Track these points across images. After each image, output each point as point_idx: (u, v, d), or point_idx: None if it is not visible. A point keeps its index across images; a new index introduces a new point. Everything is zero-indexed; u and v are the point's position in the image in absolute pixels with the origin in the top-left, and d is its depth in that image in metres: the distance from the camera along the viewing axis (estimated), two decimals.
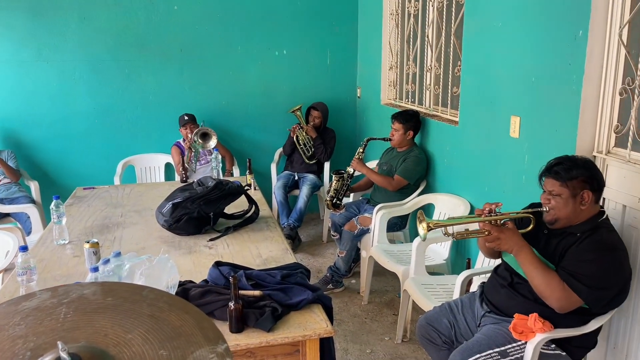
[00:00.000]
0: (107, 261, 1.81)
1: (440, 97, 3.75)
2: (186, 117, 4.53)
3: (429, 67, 3.85)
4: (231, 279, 1.73)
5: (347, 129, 5.24)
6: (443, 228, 2.10)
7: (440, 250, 3.36)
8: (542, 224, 2.08)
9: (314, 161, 4.77)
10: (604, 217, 1.98)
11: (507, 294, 2.15)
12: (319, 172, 4.87)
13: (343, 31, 5.07)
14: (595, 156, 2.25)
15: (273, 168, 5.00)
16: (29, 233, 3.99)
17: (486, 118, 3.00)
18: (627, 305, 2.14)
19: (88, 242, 2.23)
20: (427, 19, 3.85)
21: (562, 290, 1.93)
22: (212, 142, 4.35)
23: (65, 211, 2.69)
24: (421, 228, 2.07)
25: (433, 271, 3.16)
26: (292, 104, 4.81)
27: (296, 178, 4.83)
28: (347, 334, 3.14)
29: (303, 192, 4.59)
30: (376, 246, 3.41)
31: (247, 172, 3.58)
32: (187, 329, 0.90)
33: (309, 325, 1.80)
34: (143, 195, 3.44)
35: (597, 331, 2.08)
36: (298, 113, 4.74)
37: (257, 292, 1.87)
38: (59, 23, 4.46)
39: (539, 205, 2.07)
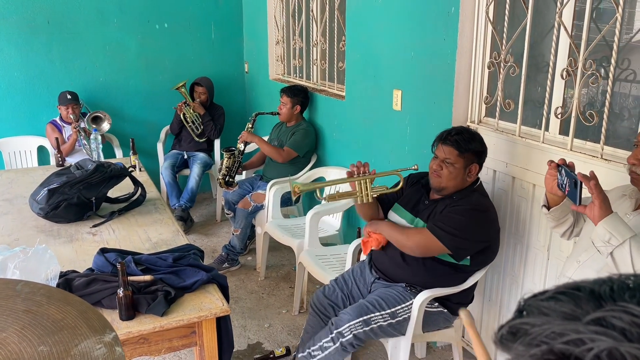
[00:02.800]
0: None
1: (327, 72, 3.81)
2: (69, 96, 4.17)
3: (315, 42, 3.89)
4: (118, 266, 1.65)
5: (237, 105, 5.15)
6: (316, 191, 2.16)
7: (332, 222, 3.46)
8: (424, 195, 2.21)
9: (204, 139, 4.65)
10: (478, 183, 2.16)
11: (392, 261, 2.26)
12: (210, 150, 4.75)
13: (227, 4, 4.93)
14: (468, 125, 2.43)
15: (159, 147, 4.79)
16: None
17: (371, 92, 3.11)
18: (498, 261, 2.36)
19: None
20: None
21: (420, 235, 2.10)
22: (106, 126, 4.10)
23: None
24: (292, 193, 2.12)
25: (326, 242, 3.25)
26: (176, 80, 4.61)
27: (185, 157, 4.67)
28: (245, 310, 3.14)
29: (194, 172, 4.47)
30: (271, 222, 3.43)
31: (130, 153, 3.40)
32: (69, 321, 0.85)
33: (204, 305, 1.78)
34: (13, 182, 3.14)
35: (473, 287, 2.28)
36: (182, 90, 4.56)
37: (147, 277, 1.81)
38: None
39: (421, 175, 2.20)
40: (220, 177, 3.79)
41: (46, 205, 2.42)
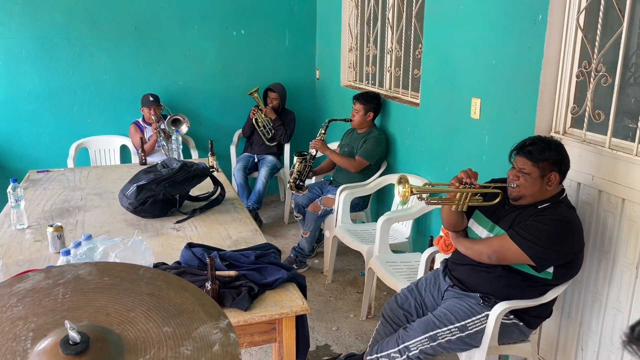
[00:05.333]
0: (78, 244, 1.77)
1: (400, 79, 3.81)
2: (151, 98, 4.41)
3: (390, 50, 3.90)
4: (208, 260, 1.73)
5: (307, 110, 5.24)
6: (419, 193, 2.14)
7: (403, 229, 3.45)
8: (505, 200, 2.18)
9: (275, 143, 4.76)
10: (564, 195, 2.10)
11: (469, 269, 2.24)
12: (279, 154, 4.86)
13: (302, 12, 5.04)
14: (552, 136, 2.37)
15: (232, 150, 4.95)
16: None
17: (447, 100, 3.08)
18: (581, 277, 2.28)
19: (52, 226, 2.17)
20: (387, 2, 3.89)
21: (499, 241, 2.07)
22: (184, 128, 4.31)
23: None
24: (402, 191, 2.05)
25: (396, 249, 3.24)
26: (250, 86, 4.77)
27: (256, 160, 4.80)
28: (313, 312, 3.19)
29: (262, 174, 4.59)
30: (340, 226, 3.46)
31: (209, 154, 3.54)
32: (188, 306, 0.91)
33: (285, 303, 1.82)
34: (102, 178, 3.35)
35: (553, 302, 2.21)
36: (255, 95, 4.70)
37: (232, 273, 1.88)
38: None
39: (502, 180, 2.17)
40: (291, 180, 3.87)
41: (135, 201, 2.57)
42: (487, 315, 2.12)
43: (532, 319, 2.20)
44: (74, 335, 0.74)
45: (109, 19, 4.50)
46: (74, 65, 4.50)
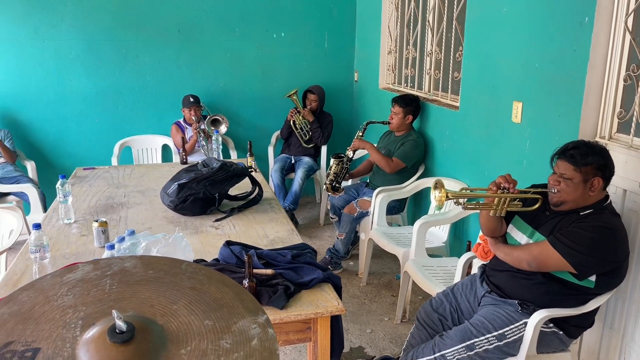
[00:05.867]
0: (122, 239, 1.83)
1: (440, 81, 3.78)
2: (192, 99, 4.52)
3: (429, 52, 3.87)
4: (246, 257, 1.76)
5: (344, 112, 5.26)
6: (455, 198, 2.11)
7: (439, 234, 3.42)
8: (546, 205, 2.13)
9: (312, 145, 4.79)
10: (608, 201, 2.04)
11: (508, 275, 2.20)
12: (316, 156, 4.89)
13: (341, 14, 5.06)
14: (597, 141, 2.30)
15: (270, 151, 5.01)
16: (27, 213, 3.97)
17: (488, 103, 3.04)
18: (625, 287, 2.21)
19: (97, 221, 2.25)
20: (428, 4, 3.87)
21: (539, 247, 2.03)
22: (223, 129, 4.40)
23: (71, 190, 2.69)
24: (438, 196, 2.03)
25: (432, 253, 3.21)
26: (289, 88, 4.82)
27: (293, 161, 4.84)
28: (347, 314, 3.19)
29: (298, 175, 4.62)
30: (376, 229, 3.46)
31: (247, 155, 3.59)
32: (227, 300, 0.93)
33: (320, 303, 1.84)
34: (144, 176, 3.45)
35: (595, 311, 2.15)
36: (294, 97, 4.75)
37: (269, 271, 1.91)
38: (55, 0, 4.39)
39: (542, 186, 2.12)
40: (327, 182, 3.89)
41: (176, 199, 2.63)
42: (525, 323, 2.08)
43: (573, 328, 2.15)
44: (120, 325, 0.77)
45: (154, 22, 4.63)
46: (119, 66, 4.65)
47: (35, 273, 1.89)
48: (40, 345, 0.79)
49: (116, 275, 0.94)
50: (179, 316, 0.87)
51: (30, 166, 4.40)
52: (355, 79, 5.22)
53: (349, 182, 4.18)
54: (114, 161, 4.52)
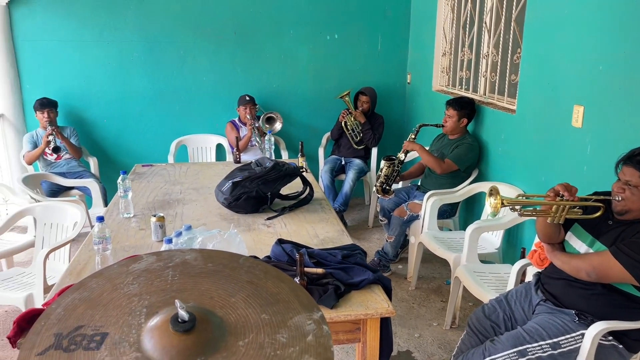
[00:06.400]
0: (179, 234, 1.89)
1: (496, 84, 3.69)
2: (248, 98, 4.62)
3: (486, 54, 3.79)
4: (297, 256, 1.78)
5: (396, 114, 5.23)
6: (511, 205, 2.06)
7: (492, 239, 3.34)
8: (608, 214, 2.05)
9: (362, 146, 4.79)
10: None
11: (565, 284, 2.13)
12: (366, 158, 4.88)
13: (395, 16, 5.03)
14: None
15: (320, 152, 5.04)
16: (89, 207, 4.16)
17: (547, 107, 2.95)
18: None
19: (154, 216, 2.33)
20: (485, 5, 3.79)
21: (600, 257, 1.95)
22: (278, 126, 4.48)
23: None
24: (493, 203, 1.99)
25: (484, 259, 3.15)
26: (341, 89, 4.83)
27: (343, 162, 4.86)
28: (395, 317, 3.17)
29: (349, 177, 4.63)
30: (426, 232, 3.42)
31: (299, 155, 3.63)
32: (284, 296, 0.95)
33: (370, 304, 1.83)
34: (199, 173, 3.54)
35: None
36: (347, 98, 4.76)
37: (320, 270, 1.92)
38: (120, 4, 4.58)
39: (605, 194, 2.04)
40: (377, 184, 3.87)
41: (230, 196, 2.70)
42: (582, 334, 2.01)
43: (634, 342, 2.05)
44: (183, 314, 0.80)
45: (211, 24, 4.75)
46: (177, 67, 4.80)
47: (97, 263, 1.98)
48: (108, 330, 0.83)
49: (178, 267, 0.98)
50: (237, 309, 0.89)
51: (93, 162, 4.60)
52: (408, 81, 5.18)
53: (400, 185, 4.15)
54: (170, 159, 4.67)
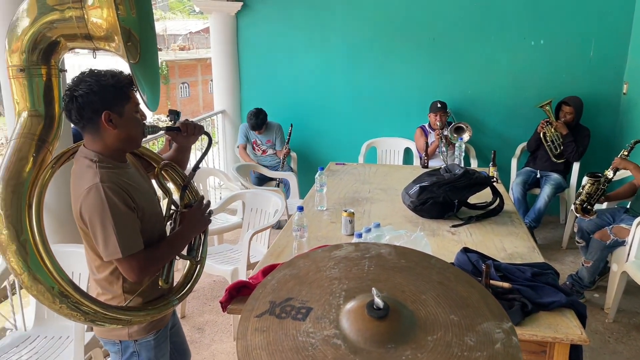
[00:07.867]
0: (369, 230, 2.00)
1: None
2: (439, 105, 4.62)
3: None
4: (484, 267, 1.75)
5: (605, 127, 4.71)
6: None
7: None
8: None
9: (562, 160, 4.43)
10: None
11: None
12: (566, 172, 4.50)
13: (615, 19, 4.54)
14: None
15: (513, 163, 4.79)
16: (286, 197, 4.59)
17: None
18: None
19: (345, 212, 2.49)
20: None
21: None
22: (466, 136, 4.41)
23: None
24: None
25: None
26: (542, 98, 4.53)
27: (538, 176, 4.55)
28: (587, 349, 2.88)
29: (545, 192, 4.32)
30: (633, 261, 3.04)
31: (490, 164, 3.51)
32: (473, 301, 0.97)
33: (559, 328, 1.72)
34: (387, 175, 3.65)
35: None
36: (547, 108, 4.44)
37: (506, 284, 1.86)
38: (329, 15, 4.93)
39: None
40: (577, 202, 3.55)
41: (416, 200, 2.74)
42: None
43: None
44: (379, 302, 0.87)
45: (410, 31, 4.85)
46: (374, 71, 5.00)
47: (294, 249, 2.19)
48: (312, 306, 0.94)
49: (373, 259, 1.05)
50: (427, 306, 0.94)
51: (293, 157, 5.05)
52: (624, 91, 4.63)
53: (604, 206, 3.75)
54: (360, 159, 4.89)
